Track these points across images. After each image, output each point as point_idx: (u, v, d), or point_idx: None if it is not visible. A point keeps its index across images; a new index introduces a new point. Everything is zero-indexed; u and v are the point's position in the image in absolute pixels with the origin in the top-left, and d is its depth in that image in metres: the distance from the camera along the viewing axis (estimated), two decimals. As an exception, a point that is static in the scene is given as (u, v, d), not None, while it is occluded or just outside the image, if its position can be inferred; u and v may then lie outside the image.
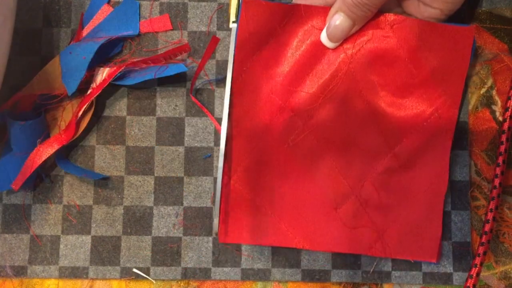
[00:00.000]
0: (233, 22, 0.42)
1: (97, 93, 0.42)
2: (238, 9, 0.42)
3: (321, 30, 0.42)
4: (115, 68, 0.43)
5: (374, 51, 0.42)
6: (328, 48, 0.42)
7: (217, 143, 0.44)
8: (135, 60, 0.44)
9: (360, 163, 0.43)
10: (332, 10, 0.41)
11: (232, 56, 0.42)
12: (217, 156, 0.44)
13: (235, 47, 0.42)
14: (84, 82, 0.43)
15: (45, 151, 0.42)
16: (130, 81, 0.43)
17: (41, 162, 0.41)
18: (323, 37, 0.42)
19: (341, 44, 0.42)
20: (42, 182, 0.44)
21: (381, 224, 0.42)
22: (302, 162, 0.43)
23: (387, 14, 0.42)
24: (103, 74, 0.43)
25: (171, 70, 0.43)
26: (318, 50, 0.42)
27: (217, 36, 0.45)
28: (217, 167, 0.44)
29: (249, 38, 0.42)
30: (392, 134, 0.43)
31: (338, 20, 0.40)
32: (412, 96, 0.43)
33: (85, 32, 0.45)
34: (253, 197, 0.43)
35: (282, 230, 0.43)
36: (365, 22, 0.41)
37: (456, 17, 0.43)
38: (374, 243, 0.42)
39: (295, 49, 0.42)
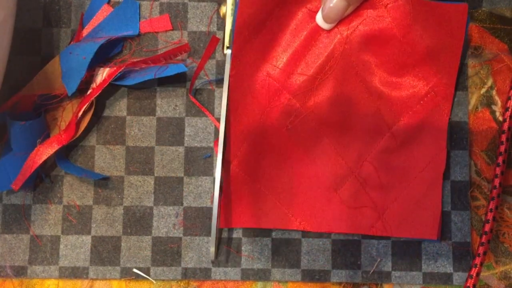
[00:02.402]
0: (227, 47, 0.42)
1: (97, 93, 0.42)
2: (232, 35, 0.42)
3: (315, 12, 0.42)
4: (115, 68, 0.43)
5: (369, 32, 0.42)
6: (323, 30, 0.42)
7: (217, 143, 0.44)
8: (135, 60, 0.44)
9: (358, 143, 0.43)
10: None
11: (228, 79, 0.42)
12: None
13: (233, 34, 0.42)
14: (84, 82, 0.43)
15: (45, 151, 0.42)
16: (130, 81, 0.43)
17: (41, 162, 0.41)
18: (319, 19, 0.42)
19: (336, 26, 0.42)
20: (42, 182, 0.44)
21: (381, 204, 0.43)
22: (301, 144, 0.43)
23: None
24: (103, 74, 0.43)
25: (171, 70, 0.43)
26: (313, 32, 0.43)
27: (217, 36, 0.45)
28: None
29: (247, 22, 0.42)
30: (389, 113, 0.43)
31: (333, 1, 0.41)
32: (408, 75, 0.43)
33: (85, 32, 0.45)
34: (253, 181, 0.43)
35: (283, 212, 0.43)
36: (359, 2, 0.41)
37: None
38: (375, 223, 0.43)
39: (291, 32, 0.43)
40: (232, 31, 0.42)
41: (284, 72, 0.43)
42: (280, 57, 0.43)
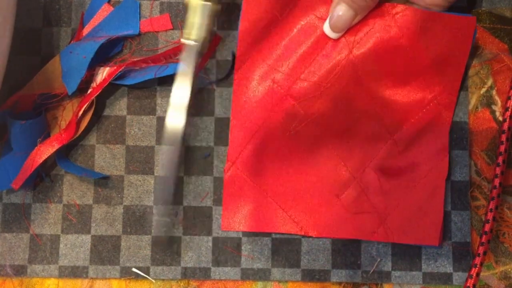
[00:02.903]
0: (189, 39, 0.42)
1: (98, 93, 0.42)
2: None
3: (322, 19, 0.42)
4: (115, 67, 0.43)
5: (375, 41, 0.42)
6: (329, 38, 0.42)
7: (216, 142, 0.44)
8: (135, 59, 0.44)
9: (361, 150, 0.43)
10: (335, 0, 0.41)
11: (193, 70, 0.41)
12: (217, 156, 0.44)
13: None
14: (84, 81, 0.43)
15: (46, 150, 0.42)
16: (130, 80, 0.43)
17: (41, 161, 0.41)
18: (326, 28, 0.42)
19: (342, 34, 0.42)
20: (42, 181, 0.44)
21: (383, 210, 0.43)
22: (304, 150, 0.43)
23: (388, 4, 0.42)
24: (103, 74, 0.43)
25: (171, 69, 0.43)
26: (319, 39, 0.42)
27: (218, 35, 0.45)
28: (216, 166, 0.44)
29: (251, 29, 0.42)
30: (392, 121, 0.43)
31: (340, 10, 0.40)
32: (412, 84, 0.43)
33: (85, 31, 0.45)
34: (255, 184, 0.43)
35: (284, 217, 0.43)
36: (367, 12, 0.41)
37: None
38: (376, 229, 0.43)
39: (296, 39, 0.43)
40: (194, 23, 0.41)
41: (289, 78, 0.43)
42: (285, 63, 0.43)
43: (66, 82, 0.42)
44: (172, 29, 0.45)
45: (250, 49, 0.43)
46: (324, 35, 0.42)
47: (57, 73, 0.43)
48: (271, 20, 0.42)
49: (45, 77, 0.43)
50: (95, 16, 0.45)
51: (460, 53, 0.42)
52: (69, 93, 0.42)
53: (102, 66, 0.44)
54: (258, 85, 0.43)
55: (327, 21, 0.41)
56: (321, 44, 0.43)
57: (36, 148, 0.42)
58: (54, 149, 0.42)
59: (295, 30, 0.43)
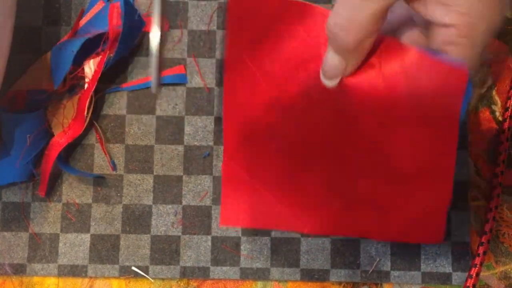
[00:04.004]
0: None
1: (94, 85, 0.42)
2: None
3: (307, 31, 0.39)
4: (100, 57, 0.43)
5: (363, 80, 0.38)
6: (319, 48, 0.39)
7: (216, 142, 0.44)
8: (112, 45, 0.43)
9: (363, 146, 0.43)
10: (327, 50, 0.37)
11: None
12: (217, 155, 0.44)
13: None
14: (73, 77, 0.43)
15: (60, 142, 0.42)
16: (131, 87, 0.44)
17: (56, 154, 0.42)
18: (322, 77, 0.38)
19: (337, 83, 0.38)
20: (34, 178, 0.44)
21: (384, 208, 0.43)
22: (303, 147, 0.43)
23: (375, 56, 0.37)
24: (90, 66, 0.43)
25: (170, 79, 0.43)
26: (309, 48, 0.41)
27: (217, 35, 0.45)
28: (216, 165, 0.44)
29: (239, 38, 0.40)
30: (392, 119, 0.39)
31: (329, 57, 0.36)
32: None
33: (78, 27, 0.45)
34: (254, 181, 0.43)
35: (283, 213, 0.43)
36: (356, 60, 0.36)
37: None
38: (377, 227, 0.42)
39: (286, 47, 0.41)
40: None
41: (279, 87, 0.41)
42: (275, 72, 0.40)
43: (53, 77, 0.42)
44: (167, 30, 0.45)
45: (239, 58, 0.40)
46: (313, 44, 0.39)
47: (46, 70, 0.43)
48: (259, 28, 0.40)
49: (35, 73, 0.43)
50: (88, 13, 0.45)
51: (452, 106, 0.36)
52: (55, 87, 0.42)
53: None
54: (248, 94, 0.41)
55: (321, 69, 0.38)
56: (310, 53, 0.39)
57: (51, 141, 0.42)
58: (66, 142, 0.42)
59: (284, 38, 0.40)
